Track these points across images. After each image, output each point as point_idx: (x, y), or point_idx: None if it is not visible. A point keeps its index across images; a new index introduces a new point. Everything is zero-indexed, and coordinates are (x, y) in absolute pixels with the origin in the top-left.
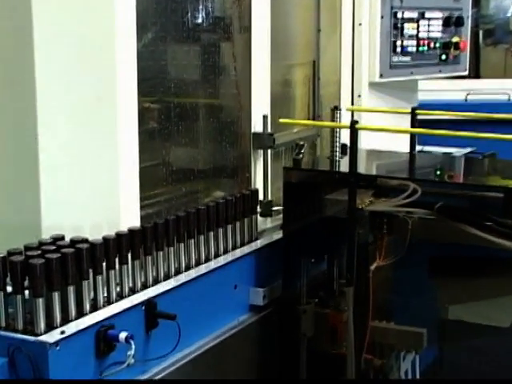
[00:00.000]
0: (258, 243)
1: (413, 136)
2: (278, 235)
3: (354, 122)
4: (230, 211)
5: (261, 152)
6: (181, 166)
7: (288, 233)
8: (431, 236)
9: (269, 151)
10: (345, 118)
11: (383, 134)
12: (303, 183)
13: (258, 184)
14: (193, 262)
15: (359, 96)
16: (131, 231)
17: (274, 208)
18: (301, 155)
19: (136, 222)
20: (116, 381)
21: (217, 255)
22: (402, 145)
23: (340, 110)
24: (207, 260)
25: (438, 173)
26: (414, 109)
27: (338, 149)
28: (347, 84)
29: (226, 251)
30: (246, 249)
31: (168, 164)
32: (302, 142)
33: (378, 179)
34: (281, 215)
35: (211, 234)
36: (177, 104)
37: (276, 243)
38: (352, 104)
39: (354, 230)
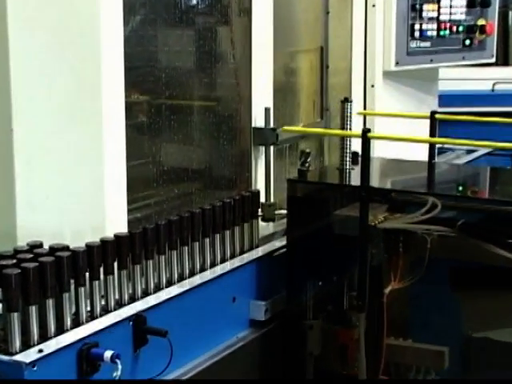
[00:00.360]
0: (260, 251)
1: (432, 144)
2: (282, 242)
3: (365, 131)
4: (228, 215)
5: (262, 149)
6: (173, 164)
7: (292, 250)
8: (452, 255)
9: (271, 148)
10: (357, 110)
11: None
12: (309, 197)
13: (260, 185)
14: (186, 271)
15: (372, 86)
16: (118, 237)
17: (277, 212)
18: (307, 164)
19: (123, 228)
20: (117, 381)
21: (213, 264)
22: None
23: (351, 102)
24: (202, 270)
25: (461, 188)
26: (433, 113)
27: (348, 158)
28: (359, 73)
29: (223, 260)
30: (246, 257)
31: (159, 163)
32: (308, 150)
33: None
34: (285, 220)
35: (207, 240)
36: (168, 96)
37: (279, 251)
38: (364, 95)
39: (366, 249)
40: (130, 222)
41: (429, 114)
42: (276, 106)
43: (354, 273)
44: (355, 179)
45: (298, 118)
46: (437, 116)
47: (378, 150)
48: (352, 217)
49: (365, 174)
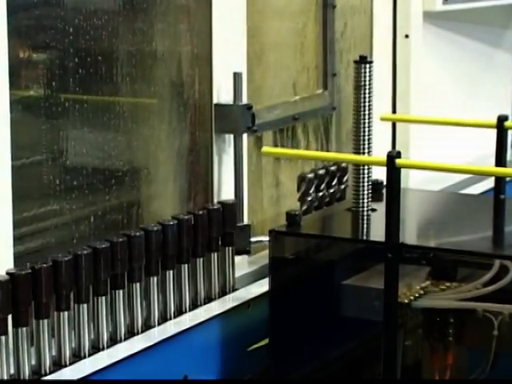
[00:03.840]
0: (227, 302)
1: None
2: (262, 287)
3: (393, 156)
4: (187, 240)
5: (230, 139)
6: (88, 164)
7: (277, 340)
8: None
9: (244, 137)
10: (382, 73)
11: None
12: (304, 258)
13: (225, 195)
14: (105, 337)
15: (406, 37)
16: None
17: (254, 239)
18: (309, 198)
19: (6, 265)
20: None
21: (148, 325)
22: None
23: (370, 62)
24: (132, 333)
25: None
26: (501, 119)
27: (365, 191)
28: (385, 16)
29: (164, 317)
30: (202, 313)
31: (64, 162)
32: (310, 175)
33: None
34: (265, 252)
35: (137, 287)
36: (80, 53)
37: (257, 301)
38: (394, 51)
39: (394, 340)
40: (17, 257)
41: (495, 121)
42: (251, 69)
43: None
44: (377, 229)
45: (286, 90)
46: (507, 124)
47: (417, 144)
48: (372, 290)
49: (392, 223)
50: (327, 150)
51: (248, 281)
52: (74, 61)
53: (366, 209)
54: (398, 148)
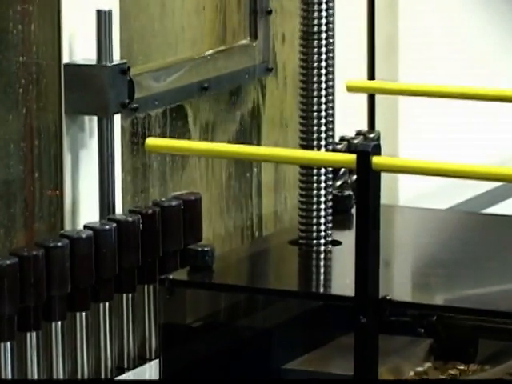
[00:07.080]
0: None
1: None
2: (147, 374)
3: (367, 152)
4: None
5: (92, 122)
6: None
7: None
8: None
9: (117, 120)
10: (350, 11)
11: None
12: (219, 325)
13: (83, 214)
14: None
15: None
16: None
17: None
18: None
19: None
20: (117, 381)
21: None
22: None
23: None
24: None
25: None
26: None
27: (323, 214)
28: None
29: None
30: None
31: None
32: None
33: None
34: None
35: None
36: None
37: None
38: None
39: None
40: None
41: None
42: (127, 9)
43: None
44: (342, 276)
45: (188, 40)
46: None
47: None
48: (330, 378)
49: (368, 264)
50: (258, 142)
51: None
52: None
53: (323, 241)
54: None
